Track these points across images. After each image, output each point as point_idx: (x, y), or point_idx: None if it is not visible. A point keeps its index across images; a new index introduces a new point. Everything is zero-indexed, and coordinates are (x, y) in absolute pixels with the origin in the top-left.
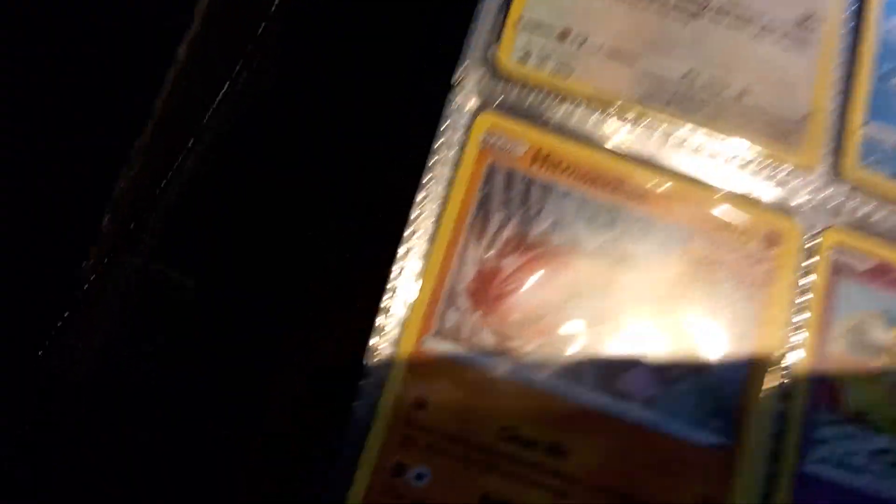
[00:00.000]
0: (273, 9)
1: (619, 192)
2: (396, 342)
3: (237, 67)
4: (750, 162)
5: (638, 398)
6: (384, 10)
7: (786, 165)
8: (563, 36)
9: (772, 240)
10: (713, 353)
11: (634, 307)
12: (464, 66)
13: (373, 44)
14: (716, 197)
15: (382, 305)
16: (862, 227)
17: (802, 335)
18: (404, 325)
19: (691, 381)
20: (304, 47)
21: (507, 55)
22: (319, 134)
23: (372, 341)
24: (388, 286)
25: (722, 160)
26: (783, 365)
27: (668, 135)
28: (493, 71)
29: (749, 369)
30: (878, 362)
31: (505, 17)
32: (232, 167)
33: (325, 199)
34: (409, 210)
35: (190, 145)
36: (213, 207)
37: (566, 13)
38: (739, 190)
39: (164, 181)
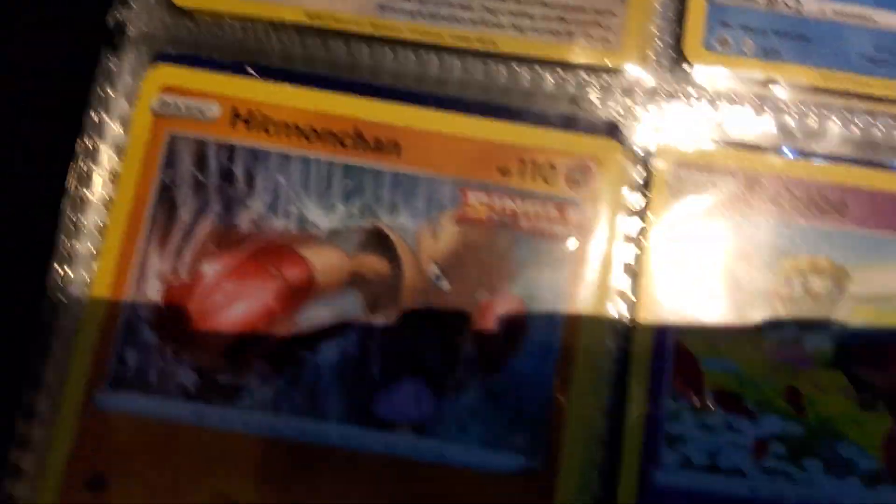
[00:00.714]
0: None
1: (361, 145)
2: (58, 401)
3: None
4: (550, 72)
5: (403, 424)
6: None
7: (599, 67)
8: None
9: (587, 173)
10: (506, 346)
11: (393, 303)
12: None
13: None
14: (500, 130)
15: (36, 356)
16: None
17: (623, 299)
18: (68, 377)
19: (477, 389)
20: None
21: None
22: None
23: (27, 400)
24: (44, 326)
25: (509, 76)
26: (609, 347)
27: (421, 52)
28: (166, 4)
29: (559, 357)
30: (754, 316)
31: None
32: None
33: None
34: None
35: None
36: None
37: None
38: (538, 118)
39: None
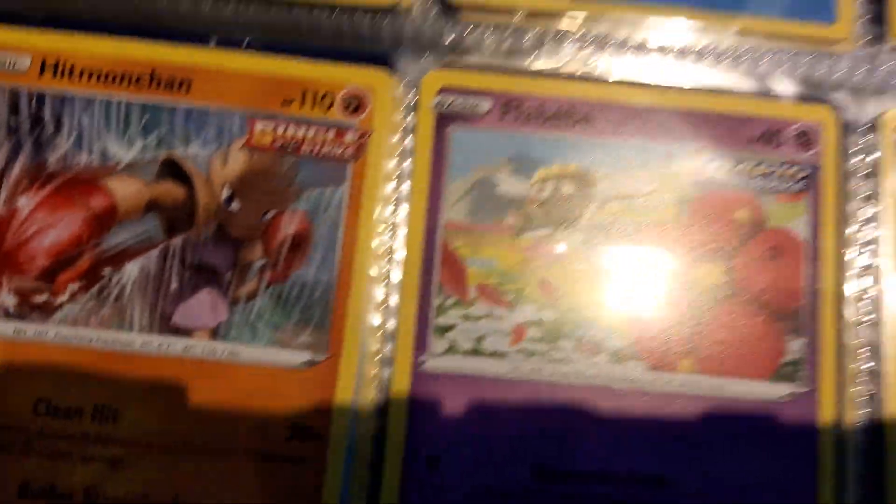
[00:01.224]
0: None
1: (154, 83)
2: None
3: None
4: (325, 11)
5: (201, 329)
6: None
7: (370, 6)
8: None
9: (361, 100)
10: (293, 257)
11: (189, 224)
12: None
13: None
14: (281, 65)
15: None
16: (468, 62)
17: (403, 210)
18: None
19: (266, 296)
20: None
21: None
22: None
23: None
24: None
25: (287, 16)
26: (383, 252)
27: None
28: None
29: (340, 265)
30: (511, 220)
31: None
32: None
33: None
34: None
35: None
36: None
37: None
38: (316, 52)
39: None
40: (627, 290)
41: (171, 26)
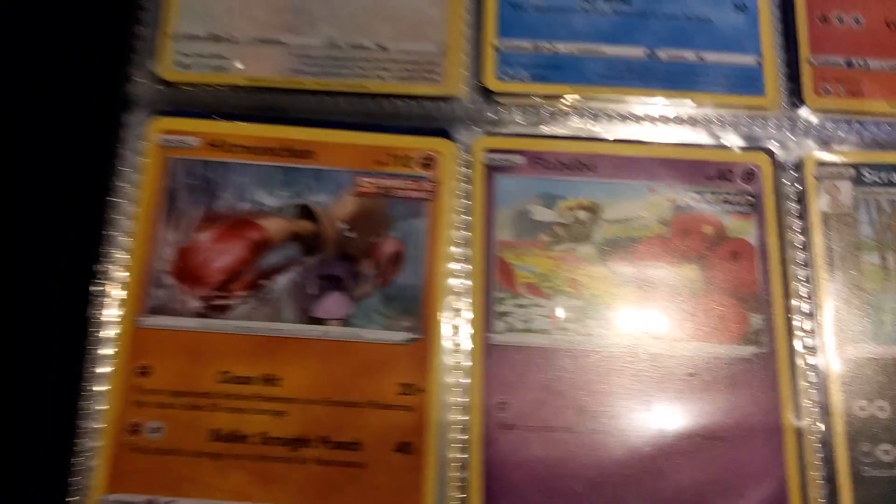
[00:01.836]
0: None
1: (287, 154)
2: (117, 325)
3: None
4: (403, 102)
5: (333, 320)
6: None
7: (435, 95)
8: (216, 39)
9: (432, 160)
10: (392, 268)
11: (319, 248)
12: (132, 82)
13: (44, 76)
14: (376, 138)
15: (96, 298)
16: (508, 132)
17: (467, 234)
18: (121, 309)
19: (377, 295)
20: None
21: (168, 65)
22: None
23: (94, 326)
24: (98, 282)
25: (378, 107)
26: (456, 262)
27: (322, 96)
28: (159, 81)
29: (426, 273)
30: (544, 238)
31: (159, 32)
32: None
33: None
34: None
35: None
36: None
37: (211, 19)
38: (399, 129)
39: None
40: (631, 285)
41: (295, 115)
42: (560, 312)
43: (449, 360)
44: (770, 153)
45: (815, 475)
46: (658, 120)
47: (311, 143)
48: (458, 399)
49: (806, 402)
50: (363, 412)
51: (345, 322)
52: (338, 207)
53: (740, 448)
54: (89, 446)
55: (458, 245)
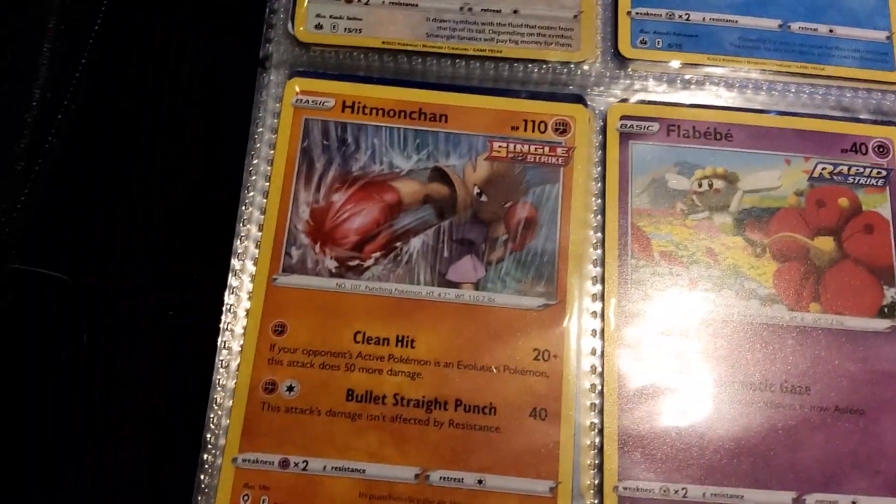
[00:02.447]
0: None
1: (421, 117)
2: (251, 283)
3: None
4: (537, 67)
5: (467, 283)
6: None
7: (566, 62)
8: (350, 1)
9: (566, 125)
10: (526, 233)
11: (453, 212)
12: (268, 43)
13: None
14: (509, 103)
15: (236, 257)
16: (643, 99)
17: (597, 201)
18: (256, 267)
19: (511, 260)
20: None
21: (303, 26)
22: (153, 129)
23: (230, 284)
24: (237, 241)
25: (511, 71)
26: (592, 229)
27: (456, 60)
28: (294, 42)
29: (561, 238)
30: (679, 206)
31: None
32: (80, 168)
33: (164, 180)
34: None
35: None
36: (72, 206)
37: None
38: (532, 94)
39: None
40: (767, 255)
41: (430, 79)
42: (698, 281)
43: (584, 325)
44: None
45: None
46: (791, 91)
47: (444, 107)
48: (593, 366)
49: None
50: (497, 376)
51: (478, 286)
52: (471, 171)
53: (877, 422)
54: (223, 404)
55: (592, 212)
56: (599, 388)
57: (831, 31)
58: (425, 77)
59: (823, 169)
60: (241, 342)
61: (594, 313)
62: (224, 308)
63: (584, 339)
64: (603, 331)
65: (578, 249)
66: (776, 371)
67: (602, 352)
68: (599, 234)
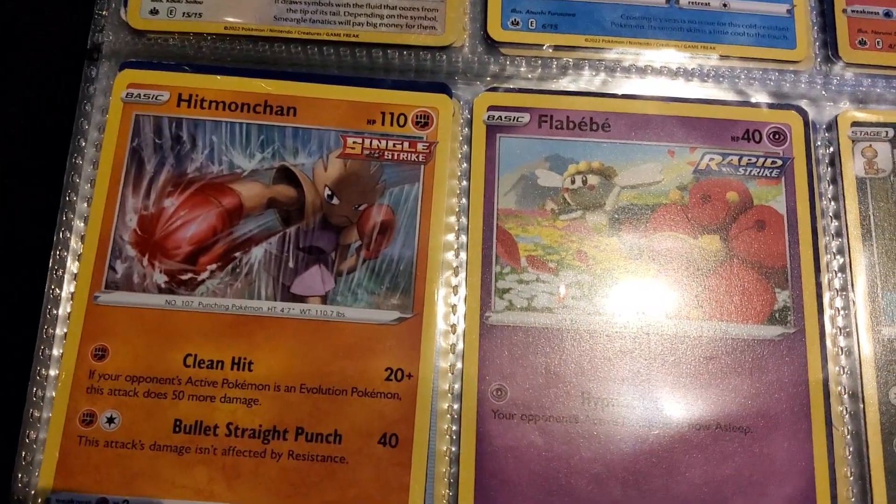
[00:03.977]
0: None
1: (268, 110)
2: (70, 302)
3: None
4: (398, 53)
5: (314, 298)
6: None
7: (430, 46)
8: None
9: (428, 118)
10: (381, 239)
11: (300, 216)
12: (98, 31)
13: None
14: (367, 94)
15: (51, 272)
16: (513, 87)
17: (461, 201)
18: (75, 284)
19: (363, 269)
20: None
21: (137, 12)
22: None
23: (45, 304)
24: (53, 251)
25: (369, 58)
26: (453, 233)
27: (307, 46)
28: (127, 29)
29: (419, 244)
30: (550, 206)
31: None
32: None
33: None
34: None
35: None
36: None
37: None
38: (393, 84)
39: None
40: (645, 257)
41: (277, 68)
42: (565, 289)
43: (442, 342)
44: (802, 112)
45: (846, 471)
46: (679, 75)
47: (293, 99)
48: (450, 386)
49: (837, 389)
50: (344, 400)
51: (326, 299)
52: (322, 171)
53: (763, 441)
54: (37, 438)
55: (456, 214)
56: (458, 410)
57: (725, 5)
58: (274, 65)
59: (711, 160)
60: (58, 370)
61: (454, 326)
62: (39, 331)
63: (443, 356)
64: (462, 348)
65: (439, 256)
66: (652, 386)
67: (462, 370)
68: (463, 238)
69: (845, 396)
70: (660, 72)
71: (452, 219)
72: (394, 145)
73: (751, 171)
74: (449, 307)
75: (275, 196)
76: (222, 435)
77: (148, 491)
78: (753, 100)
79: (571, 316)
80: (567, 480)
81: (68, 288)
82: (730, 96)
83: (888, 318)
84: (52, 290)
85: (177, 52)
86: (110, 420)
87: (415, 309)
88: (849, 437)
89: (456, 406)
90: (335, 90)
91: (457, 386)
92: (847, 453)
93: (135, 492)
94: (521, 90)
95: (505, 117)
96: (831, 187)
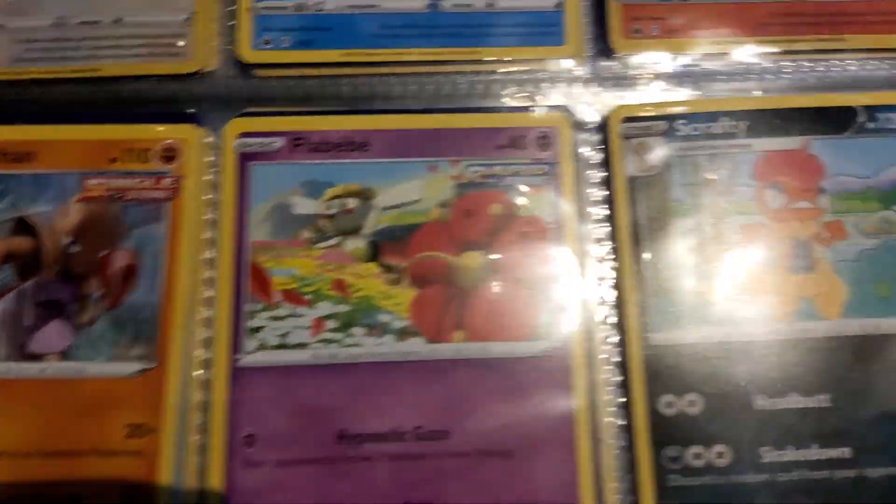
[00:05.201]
0: None
1: (3, 159)
2: None
3: None
4: (143, 84)
5: (52, 354)
6: None
7: (178, 75)
8: None
9: (174, 151)
10: (124, 286)
11: (38, 269)
12: None
13: None
14: (109, 131)
15: None
16: (263, 110)
17: (214, 233)
18: None
19: (104, 320)
20: None
21: None
22: None
23: None
24: None
25: (114, 92)
26: (204, 271)
27: (48, 86)
28: None
29: (165, 287)
30: (306, 234)
31: None
32: None
33: None
34: None
35: None
36: None
37: None
38: (139, 118)
39: None
40: (406, 282)
41: (13, 111)
42: (324, 320)
43: (189, 392)
44: (568, 112)
45: (613, 486)
46: (439, 84)
47: (31, 144)
48: (198, 438)
49: (604, 400)
50: (84, 462)
51: (65, 355)
52: (61, 218)
53: (527, 464)
54: None
55: (205, 251)
56: (203, 465)
57: (490, 5)
58: (11, 110)
59: (474, 172)
60: None
61: (199, 377)
62: None
63: (190, 409)
64: (210, 397)
65: (185, 298)
66: (410, 416)
67: (208, 421)
68: (214, 277)
69: (612, 408)
70: (419, 82)
71: (203, 256)
72: (137, 183)
73: (516, 180)
74: (197, 352)
75: (11, 250)
76: None
77: None
78: (519, 104)
79: (328, 350)
80: None
81: None
82: (493, 103)
83: (655, 326)
84: None
85: None
86: None
87: (158, 358)
88: (618, 450)
89: (201, 460)
90: (76, 130)
91: (203, 438)
92: (616, 467)
93: None
94: (274, 113)
95: (257, 143)
96: (602, 191)
